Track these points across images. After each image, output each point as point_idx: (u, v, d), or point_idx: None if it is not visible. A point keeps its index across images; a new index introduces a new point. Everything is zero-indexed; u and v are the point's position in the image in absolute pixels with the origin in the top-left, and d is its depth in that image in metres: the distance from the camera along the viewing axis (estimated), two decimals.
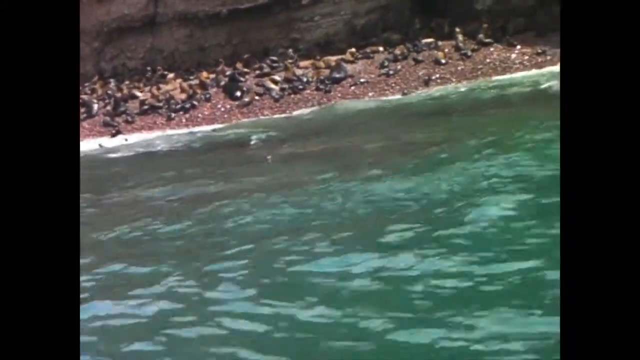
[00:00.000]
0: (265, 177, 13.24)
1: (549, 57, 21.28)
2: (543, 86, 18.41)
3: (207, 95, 23.02)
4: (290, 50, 24.25)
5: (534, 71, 20.73)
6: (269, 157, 15.59)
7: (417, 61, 22.44)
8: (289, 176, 12.96)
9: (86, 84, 25.53)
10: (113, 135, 22.18)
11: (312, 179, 12.03)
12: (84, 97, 24.29)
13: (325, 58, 23.41)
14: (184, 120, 22.56)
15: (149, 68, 25.48)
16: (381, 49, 23.40)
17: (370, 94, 21.66)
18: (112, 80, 25.77)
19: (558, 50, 21.33)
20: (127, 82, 25.23)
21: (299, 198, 10.92)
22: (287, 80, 22.87)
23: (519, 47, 22.11)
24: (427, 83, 21.37)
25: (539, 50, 21.60)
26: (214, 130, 20.83)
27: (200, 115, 22.62)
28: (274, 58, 24.03)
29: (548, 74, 19.70)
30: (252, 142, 17.97)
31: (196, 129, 21.59)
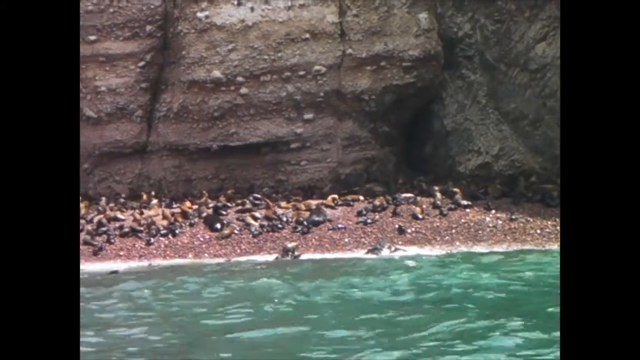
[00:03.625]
0: None
1: (521, 224, 22.06)
2: None
3: (190, 223, 23.56)
4: (271, 191, 25.08)
5: None
6: None
7: (395, 214, 23.12)
8: None
9: None
10: (95, 254, 22.60)
11: None
12: None
13: (307, 201, 24.11)
14: (162, 246, 22.96)
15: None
16: (362, 198, 24.15)
17: (346, 239, 22.26)
18: (100, 201, 26.11)
19: (530, 219, 22.17)
20: (111, 205, 25.67)
21: None
22: (267, 218, 23.48)
23: (493, 211, 22.85)
24: (401, 232, 22.12)
25: (512, 217, 22.35)
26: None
27: (179, 242, 23.05)
28: (257, 195, 24.72)
29: None
30: None
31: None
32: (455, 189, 23.86)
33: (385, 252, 21.11)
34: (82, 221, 24.41)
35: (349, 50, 26.06)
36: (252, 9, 25.75)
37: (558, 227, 21.60)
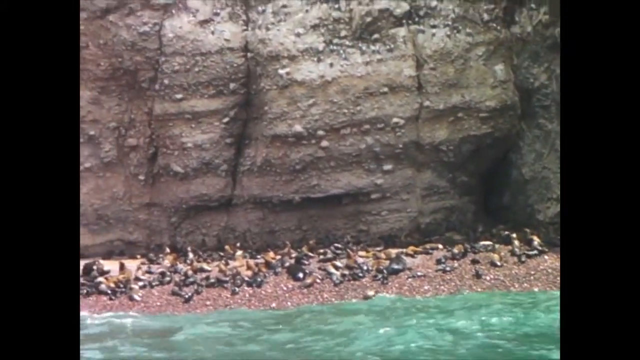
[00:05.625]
0: None
1: None
2: None
3: (274, 273, 24.25)
4: (352, 241, 25.65)
5: None
6: None
7: (474, 261, 23.49)
8: None
9: (160, 255, 26.83)
10: (186, 301, 23.36)
11: None
12: (154, 267, 25.50)
13: (387, 250, 24.64)
14: (247, 296, 23.62)
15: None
16: (440, 246, 24.58)
17: (425, 287, 22.67)
18: (186, 253, 26.92)
19: None
20: (196, 257, 26.46)
21: None
22: (348, 267, 24.07)
23: None
24: (479, 278, 22.61)
25: None
26: None
27: (263, 292, 23.69)
28: (339, 245, 25.33)
29: None
30: None
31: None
32: (533, 236, 24.11)
33: None
34: (169, 272, 25.28)
35: (427, 103, 26.65)
36: (331, 65, 26.56)
37: None
